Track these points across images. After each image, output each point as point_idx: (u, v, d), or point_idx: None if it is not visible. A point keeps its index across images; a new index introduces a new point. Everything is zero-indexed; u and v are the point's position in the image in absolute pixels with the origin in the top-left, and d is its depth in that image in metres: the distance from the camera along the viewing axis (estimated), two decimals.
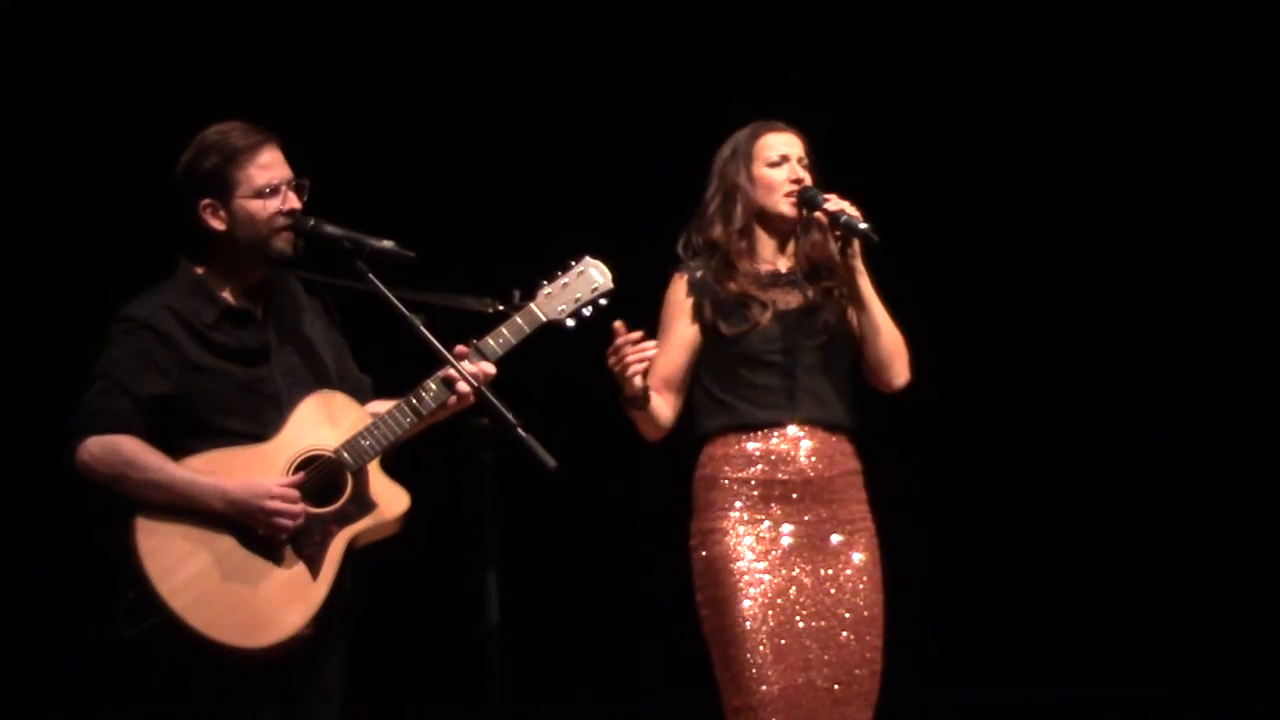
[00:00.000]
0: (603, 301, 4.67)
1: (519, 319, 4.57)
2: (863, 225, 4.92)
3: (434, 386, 4.48)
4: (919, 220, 5.03)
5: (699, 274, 5.02)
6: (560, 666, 7.25)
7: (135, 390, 4.33)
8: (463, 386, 4.45)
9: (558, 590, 7.21)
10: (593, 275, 4.67)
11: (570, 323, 4.63)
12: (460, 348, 4.51)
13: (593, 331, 4.85)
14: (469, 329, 4.57)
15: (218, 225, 4.45)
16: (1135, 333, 7.63)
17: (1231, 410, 7.60)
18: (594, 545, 7.33)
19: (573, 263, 4.68)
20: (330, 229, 4.49)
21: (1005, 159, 7.52)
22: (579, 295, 4.64)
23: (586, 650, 7.36)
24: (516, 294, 4.62)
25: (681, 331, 5.02)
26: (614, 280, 4.67)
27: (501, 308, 4.61)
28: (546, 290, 4.63)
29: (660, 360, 4.97)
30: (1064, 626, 7.59)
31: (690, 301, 5.02)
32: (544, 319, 4.60)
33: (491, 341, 4.55)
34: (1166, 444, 7.61)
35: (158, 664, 4.34)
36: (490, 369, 4.49)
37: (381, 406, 4.52)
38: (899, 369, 5.05)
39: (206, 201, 4.45)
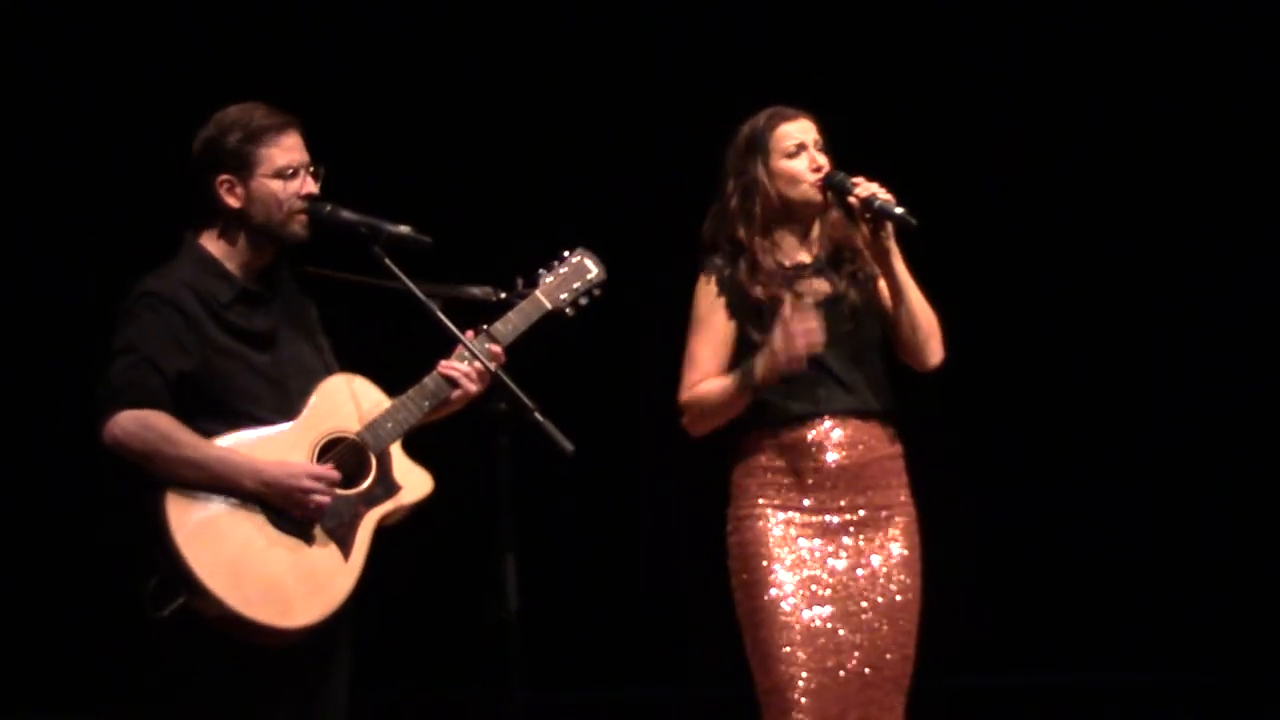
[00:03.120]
0: (597, 292, 4.74)
1: (526, 306, 4.61)
2: (898, 210, 4.83)
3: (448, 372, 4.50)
4: (951, 199, 4.95)
5: (726, 272, 4.96)
6: (578, 652, 7.25)
7: (163, 366, 4.29)
8: (466, 382, 4.46)
9: (576, 575, 7.22)
10: (587, 265, 4.74)
11: (569, 312, 4.69)
12: (469, 333, 4.52)
13: (609, 316, 4.85)
14: (471, 318, 4.57)
15: (233, 202, 4.43)
16: (1177, 309, 7.61)
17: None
18: (612, 530, 7.33)
19: (567, 253, 4.74)
20: (347, 214, 4.48)
21: (1042, 132, 7.51)
22: (577, 285, 4.71)
23: (605, 635, 7.36)
24: (520, 281, 4.66)
25: (721, 327, 4.95)
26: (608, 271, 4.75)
27: (504, 296, 4.62)
28: (547, 279, 4.68)
29: (707, 356, 4.94)
30: (1114, 609, 7.59)
31: (723, 300, 4.95)
32: (549, 307, 4.65)
33: (501, 327, 4.57)
34: (1210, 425, 7.60)
35: (175, 657, 4.31)
36: (499, 351, 4.52)
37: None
38: (934, 348, 5.00)
39: (224, 177, 4.42)
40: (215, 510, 4.25)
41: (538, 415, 4.34)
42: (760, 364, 4.82)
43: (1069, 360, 7.65)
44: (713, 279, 4.98)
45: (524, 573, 4.47)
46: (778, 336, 4.78)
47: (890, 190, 4.88)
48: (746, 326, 4.95)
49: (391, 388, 4.51)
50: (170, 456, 4.24)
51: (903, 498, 4.98)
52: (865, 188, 4.88)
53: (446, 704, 7.34)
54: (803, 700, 4.83)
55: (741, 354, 4.95)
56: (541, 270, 4.69)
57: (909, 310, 4.96)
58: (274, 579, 4.25)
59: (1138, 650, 7.55)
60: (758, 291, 4.93)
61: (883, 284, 4.99)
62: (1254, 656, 7.52)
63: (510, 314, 4.58)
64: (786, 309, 4.80)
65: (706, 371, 4.94)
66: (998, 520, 7.48)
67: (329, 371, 4.50)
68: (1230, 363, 7.60)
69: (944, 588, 5.04)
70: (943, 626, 5.06)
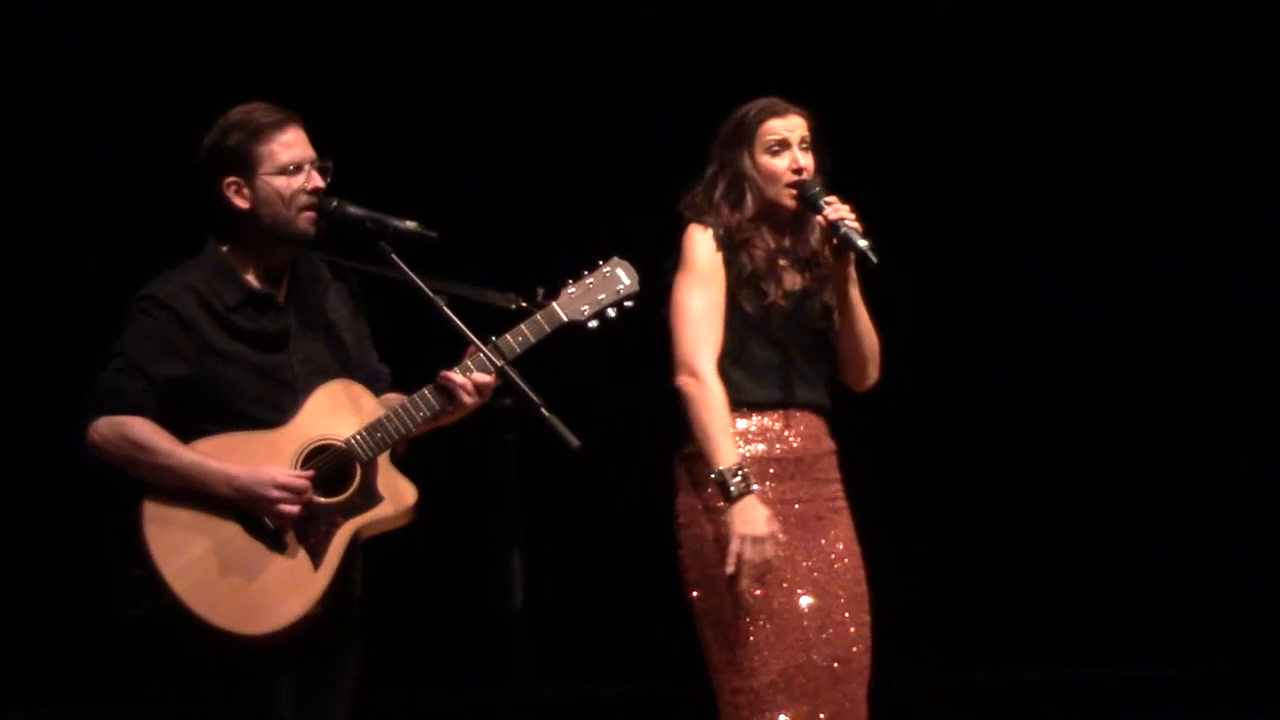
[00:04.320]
0: (628, 303, 4.64)
1: (540, 318, 4.53)
2: (862, 243, 4.79)
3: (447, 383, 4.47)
4: (889, 209, 4.93)
5: (721, 231, 4.91)
6: (584, 648, 7.25)
7: (150, 371, 4.34)
8: (463, 395, 4.42)
9: (582, 571, 7.22)
10: (619, 276, 4.63)
11: (592, 324, 4.59)
12: (471, 350, 4.48)
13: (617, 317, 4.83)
14: (491, 324, 4.55)
15: (241, 203, 4.44)
16: (1121, 306, 7.63)
17: (1207, 386, 7.63)
18: (618, 525, 7.33)
19: (600, 263, 4.64)
20: (353, 209, 4.48)
21: (963, 144, 7.51)
22: (603, 296, 4.61)
23: (610, 631, 7.36)
24: (540, 291, 4.58)
25: (721, 286, 4.89)
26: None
27: (524, 304, 4.58)
28: (570, 290, 4.59)
29: (712, 321, 4.86)
30: (1053, 607, 7.61)
31: (720, 258, 4.89)
32: (565, 319, 4.55)
33: (510, 339, 4.50)
34: (1151, 422, 7.63)
35: (172, 640, 4.35)
36: (486, 379, 4.44)
37: (395, 399, 4.49)
38: (872, 371, 5.02)
39: (230, 179, 4.43)
40: (188, 516, 4.31)
41: (544, 411, 4.33)
42: (733, 514, 4.77)
43: (1051, 340, 7.67)
44: (709, 233, 4.91)
45: (530, 568, 4.48)
46: (743, 553, 4.76)
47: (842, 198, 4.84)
48: (740, 291, 4.90)
49: (400, 381, 4.51)
50: (144, 463, 4.31)
51: (842, 492, 4.99)
52: (836, 209, 4.83)
53: (450, 699, 7.34)
54: (778, 696, 4.81)
55: (728, 320, 4.89)
56: (569, 280, 4.60)
57: (859, 332, 4.97)
58: (238, 585, 4.29)
59: (1114, 646, 7.59)
60: (747, 259, 4.88)
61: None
62: (1239, 651, 7.56)
63: (522, 325, 4.52)
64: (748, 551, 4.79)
65: (712, 339, 4.85)
66: (966, 516, 7.52)
67: (348, 370, 4.49)
68: (1220, 354, 7.63)
69: (905, 583, 5.06)
70: (906, 621, 5.08)
